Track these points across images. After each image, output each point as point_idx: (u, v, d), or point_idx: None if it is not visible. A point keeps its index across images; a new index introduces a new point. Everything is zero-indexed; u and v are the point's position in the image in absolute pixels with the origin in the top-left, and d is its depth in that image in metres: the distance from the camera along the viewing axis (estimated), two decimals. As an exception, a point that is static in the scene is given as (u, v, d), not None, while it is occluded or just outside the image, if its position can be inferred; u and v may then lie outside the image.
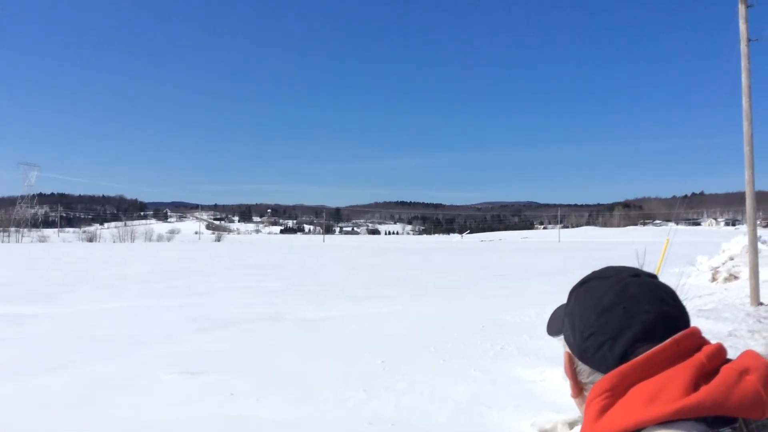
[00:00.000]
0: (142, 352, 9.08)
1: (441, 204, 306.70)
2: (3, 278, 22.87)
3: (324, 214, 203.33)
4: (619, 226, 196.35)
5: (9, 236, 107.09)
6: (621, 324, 0.93)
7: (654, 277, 1.02)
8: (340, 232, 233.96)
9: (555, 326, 1.10)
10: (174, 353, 8.99)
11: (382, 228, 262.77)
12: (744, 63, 13.07)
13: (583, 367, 0.98)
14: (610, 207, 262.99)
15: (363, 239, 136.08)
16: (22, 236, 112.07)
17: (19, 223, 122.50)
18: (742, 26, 13.12)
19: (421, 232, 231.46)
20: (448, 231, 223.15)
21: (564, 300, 1.09)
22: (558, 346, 1.07)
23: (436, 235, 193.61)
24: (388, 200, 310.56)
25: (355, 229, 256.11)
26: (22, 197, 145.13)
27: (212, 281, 21.80)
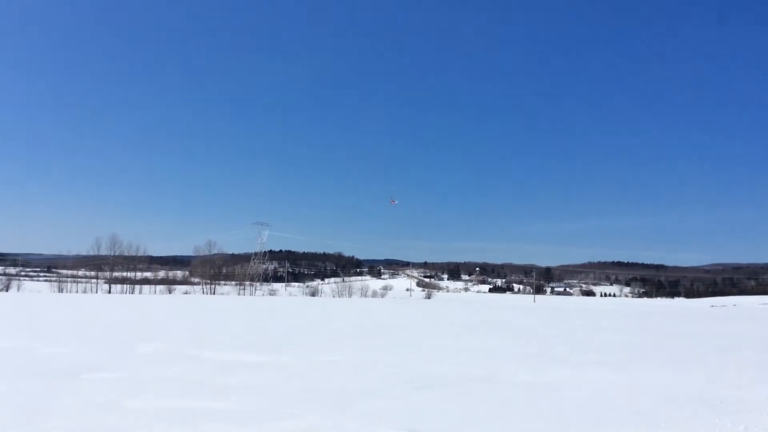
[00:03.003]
0: (363, 406, 9.45)
1: (663, 265, 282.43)
2: (241, 328, 25.55)
3: (534, 274, 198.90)
4: None
5: (244, 289, 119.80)
6: None
7: None
8: (552, 292, 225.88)
9: None
10: (392, 410, 9.23)
11: (597, 289, 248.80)
12: None
13: None
14: None
15: (576, 300, 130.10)
16: (255, 289, 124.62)
17: (253, 278, 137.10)
18: None
19: (641, 295, 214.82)
20: (672, 294, 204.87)
21: None
22: None
23: (659, 298, 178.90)
24: (602, 260, 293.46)
25: (568, 289, 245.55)
26: (256, 254, 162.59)
27: (425, 338, 22.17)
